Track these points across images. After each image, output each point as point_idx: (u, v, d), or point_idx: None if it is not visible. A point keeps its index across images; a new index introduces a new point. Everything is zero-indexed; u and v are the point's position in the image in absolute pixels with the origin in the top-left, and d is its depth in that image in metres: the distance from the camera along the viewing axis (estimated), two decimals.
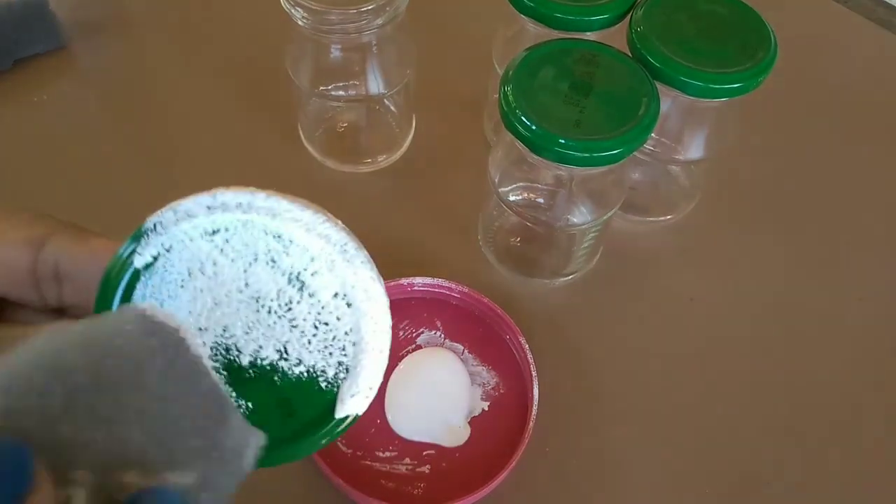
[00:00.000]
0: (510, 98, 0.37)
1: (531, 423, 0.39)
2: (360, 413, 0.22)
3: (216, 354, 0.21)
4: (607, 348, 0.44)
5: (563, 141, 0.36)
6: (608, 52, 0.39)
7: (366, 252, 0.22)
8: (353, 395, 0.21)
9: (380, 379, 0.22)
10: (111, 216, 0.47)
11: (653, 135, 0.39)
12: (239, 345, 0.22)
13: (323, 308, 0.21)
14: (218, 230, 0.21)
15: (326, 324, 0.22)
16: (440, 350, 0.43)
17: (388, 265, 0.45)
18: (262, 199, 0.21)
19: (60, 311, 0.23)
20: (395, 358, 0.42)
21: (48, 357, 0.17)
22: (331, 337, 0.22)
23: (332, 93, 0.46)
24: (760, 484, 0.40)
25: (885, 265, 0.49)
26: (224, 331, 0.21)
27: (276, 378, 0.22)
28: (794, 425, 0.42)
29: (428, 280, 0.44)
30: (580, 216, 0.42)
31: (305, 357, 0.22)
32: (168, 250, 0.21)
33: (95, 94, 0.54)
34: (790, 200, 0.51)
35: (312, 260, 0.21)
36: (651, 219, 0.50)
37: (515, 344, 0.42)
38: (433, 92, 0.53)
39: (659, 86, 0.39)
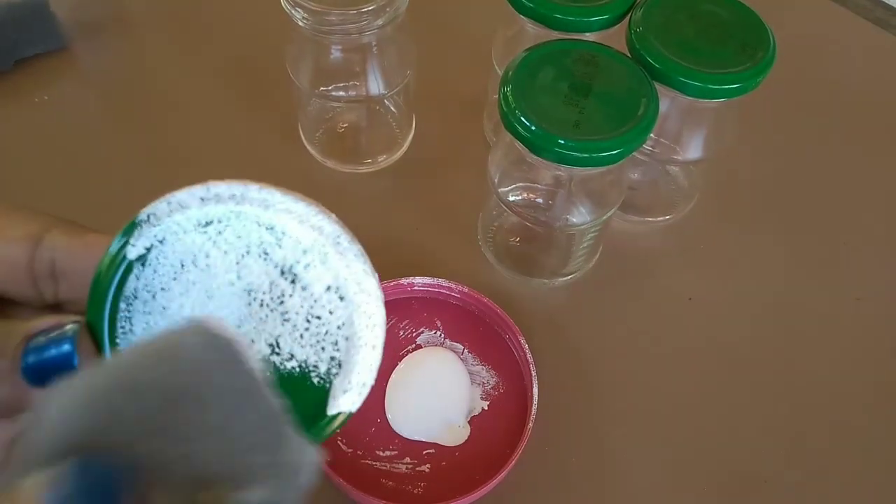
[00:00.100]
0: (510, 98, 0.37)
1: (531, 423, 0.39)
2: (353, 411, 0.21)
3: None
4: (606, 348, 0.45)
5: (562, 141, 0.36)
6: (607, 52, 0.40)
7: (359, 245, 0.21)
8: (345, 392, 0.21)
9: (373, 375, 0.21)
10: (112, 216, 0.47)
11: (652, 135, 0.39)
12: None
13: (315, 301, 0.21)
14: (211, 222, 0.21)
15: (319, 317, 0.21)
16: (440, 350, 0.43)
17: (388, 265, 0.45)
18: (255, 191, 0.21)
19: (57, 307, 0.23)
20: (395, 358, 0.43)
21: (123, 377, 0.17)
22: (323, 331, 0.21)
23: (333, 93, 0.46)
24: (760, 483, 0.41)
25: (883, 265, 0.49)
26: None
27: (268, 373, 0.22)
28: (794, 424, 0.43)
29: (428, 280, 0.44)
30: (579, 216, 0.42)
31: (297, 352, 0.21)
32: (161, 242, 0.21)
33: (96, 95, 0.54)
34: (789, 200, 0.51)
35: (305, 252, 0.21)
36: (650, 219, 0.50)
37: (515, 343, 0.42)
38: (433, 92, 0.53)
39: (658, 86, 0.39)
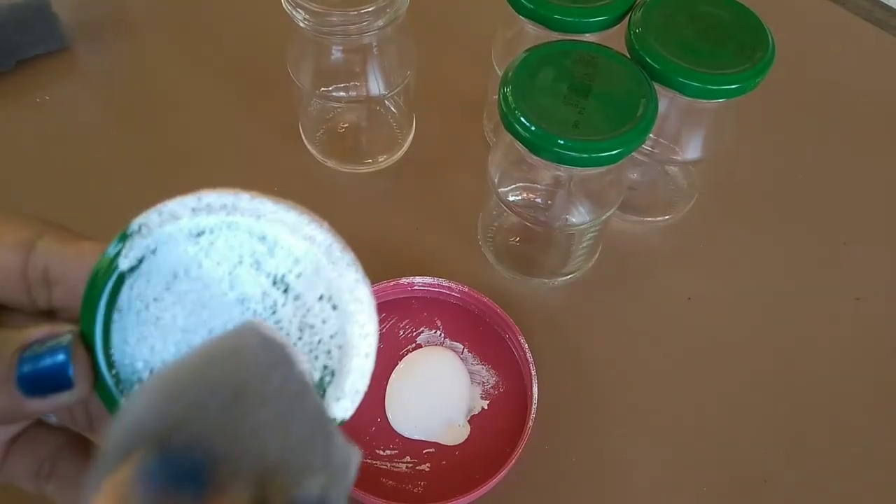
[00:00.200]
0: (510, 99, 0.37)
1: (530, 422, 0.39)
2: (347, 418, 0.21)
3: None
4: (606, 347, 0.45)
5: (561, 142, 0.36)
6: (607, 53, 0.40)
7: (352, 254, 0.21)
8: (338, 400, 0.21)
9: (366, 383, 0.21)
10: (112, 216, 0.47)
11: (651, 135, 0.40)
12: None
13: (308, 311, 0.21)
14: (203, 232, 0.21)
15: (312, 326, 0.21)
16: (440, 349, 0.43)
17: (388, 265, 0.46)
18: (246, 201, 0.21)
19: (50, 314, 0.23)
20: (395, 357, 0.43)
21: (196, 373, 0.18)
22: (316, 340, 0.21)
23: (333, 94, 0.46)
24: (760, 483, 0.41)
25: (882, 265, 0.49)
26: (209, 333, 0.21)
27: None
28: (794, 424, 0.43)
29: (428, 280, 0.44)
30: (579, 216, 0.42)
31: None
32: (153, 252, 0.21)
33: (97, 95, 0.54)
34: (787, 201, 0.52)
35: (297, 262, 0.21)
36: (649, 219, 0.50)
37: (515, 343, 0.43)
38: (433, 92, 0.53)
39: (657, 87, 0.39)
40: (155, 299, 0.21)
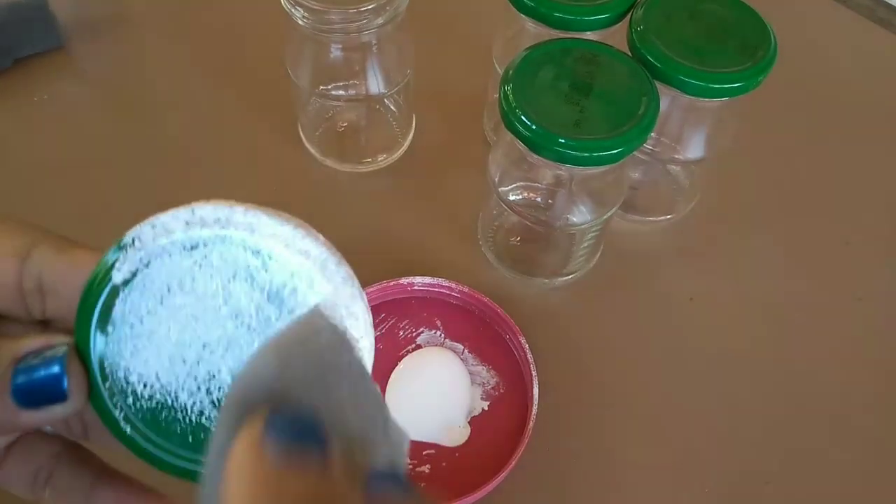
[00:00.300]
0: (510, 98, 0.37)
1: (531, 423, 0.39)
2: None
3: (197, 372, 0.21)
4: (607, 347, 0.44)
5: (562, 140, 0.36)
6: (608, 51, 0.39)
7: (347, 268, 0.21)
8: None
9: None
10: (109, 215, 0.47)
11: (652, 134, 0.39)
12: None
13: None
14: (197, 245, 0.21)
15: None
16: (440, 350, 0.43)
17: (388, 265, 0.45)
18: (240, 214, 0.21)
19: (45, 323, 0.23)
20: (395, 357, 0.43)
21: (292, 346, 0.19)
22: None
23: (333, 92, 0.46)
24: (761, 483, 0.40)
25: (883, 265, 0.49)
26: (204, 348, 0.21)
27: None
28: (794, 424, 0.42)
29: (428, 280, 0.44)
30: (580, 216, 0.42)
31: None
32: (147, 265, 0.21)
33: (95, 94, 0.54)
34: (789, 200, 0.51)
35: (292, 276, 0.21)
36: (651, 218, 0.50)
37: (515, 343, 0.42)
38: (433, 92, 0.53)
39: (659, 85, 0.39)
40: (149, 312, 0.21)
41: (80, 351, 0.21)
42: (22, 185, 0.49)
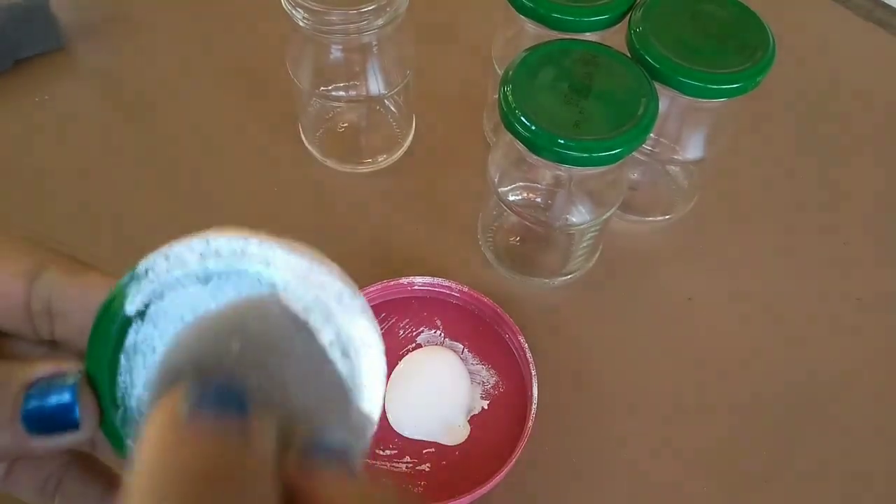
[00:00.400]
0: (510, 98, 0.37)
1: (530, 422, 0.39)
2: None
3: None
4: (606, 347, 0.45)
5: (562, 141, 0.36)
6: (607, 52, 0.40)
7: (362, 299, 0.21)
8: None
9: (374, 424, 0.21)
10: (111, 216, 0.47)
11: (652, 135, 0.40)
12: None
13: None
14: (210, 278, 0.21)
15: None
16: (440, 349, 0.43)
17: (388, 265, 0.45)
18: (255, 246, 0.20)
19: (54, 344, 0.22)
20: (395, 357, 0.43)
21: (225, 322, 0.20)
22: None
23: (333, 93, 0.46)
24: (761, 483, 0.41)
25: (883, 265, 0.49)
26: None
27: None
28: (794, 424, 0.43)
29: (428, 279, 0.44)
30: (579, 216, 0.42)
31: None
32: (160, 297, 0.21)
33: (95, 95, 0.54)
34: (788, 200, 0.51)
35: (306, 309, 0.21)
36: (650, 219, 0.50)
37: (515, 343, 0.42)
38: (433, 93, 0.53)
39: (658, 86, 0.39)
40: (161, 343, 0.21)
41: (92, 379, 0.21)
42: (22, 186, 0.49)
